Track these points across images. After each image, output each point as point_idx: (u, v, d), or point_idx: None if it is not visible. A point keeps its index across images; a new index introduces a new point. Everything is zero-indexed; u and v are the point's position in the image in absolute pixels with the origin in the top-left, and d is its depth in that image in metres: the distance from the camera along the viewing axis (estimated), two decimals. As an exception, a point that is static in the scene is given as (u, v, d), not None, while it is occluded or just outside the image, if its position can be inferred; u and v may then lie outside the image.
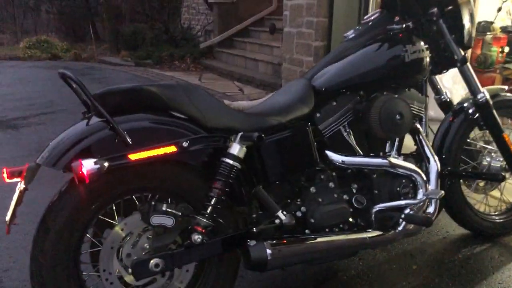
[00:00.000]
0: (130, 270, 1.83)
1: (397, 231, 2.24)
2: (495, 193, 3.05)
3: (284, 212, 2.02)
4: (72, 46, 13.58)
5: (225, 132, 1.96)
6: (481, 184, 2.96)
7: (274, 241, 1.95)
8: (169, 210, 1.87)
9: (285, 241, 1.98)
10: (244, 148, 1.91)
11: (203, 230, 1.86)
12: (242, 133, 1.92)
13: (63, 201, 1.76)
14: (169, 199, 1.94)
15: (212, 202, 1.87)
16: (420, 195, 2.31)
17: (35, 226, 1.75)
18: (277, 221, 2.01)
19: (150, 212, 1.85)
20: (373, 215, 2.26)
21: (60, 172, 1.71)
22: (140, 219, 1.89)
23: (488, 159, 2.90)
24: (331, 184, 2.24)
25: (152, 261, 1.82)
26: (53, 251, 1.74)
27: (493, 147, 2.92)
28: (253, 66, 8.92)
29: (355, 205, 2.25)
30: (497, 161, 2.88)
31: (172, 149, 1.84)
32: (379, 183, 2.30)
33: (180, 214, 1.88)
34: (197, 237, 1.85)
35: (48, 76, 9.20)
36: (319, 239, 2.06)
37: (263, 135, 1.86)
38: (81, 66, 11.00)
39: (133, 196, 1.94)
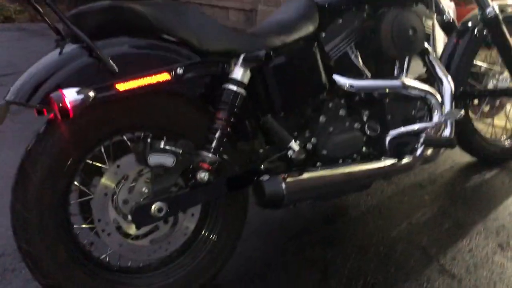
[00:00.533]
0: (129, 218, 1.60)
1: (416, 156, 2.07)
2: (500, 121, 2.93)
3: (298, 142, 1.81)
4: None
5: (223, 56, 1.70)
6: (487, 109, 2.83)
7: (288, 175, 1.74)
8: (168, 147, 1.63)
9: (300, 174, 1.77)
10: (248, 72, 1.67)
11: (210, 167, 1.63)
12: (245, 53, 1.66)
13: (43, 144, 1.49)
14: (165, 137, 1.69)
15: (217, 135, 1.63)
16: (437, 117, 2.13)
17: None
18: (289, 152, 1.79)
19: (147, 151, 1.60)
20: (387, 142, 2.07)
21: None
22: (135, 160, 1.64)
23: (494, 81, 2.75)
24: (342, 112, 2.03)
25: (154, 206, 1.59)
26: (37, 203, 1.48)
27: (497, 68, 2.77)
28: (223, 15, 8.50)
29: (368, 132, 2.06)
30: (504, 82, 2.73)
31: (165, 77, 1.57)
32: (392, 107, 2.11)
33: (180, 151, 1.64)
34: (203, 175, 1.62)
35: (4, 38, 8.56)
36: (335, 171, 1.86)
37: (271, 53, 1.61)
38: (39, 27, 10.30)
39: (124, 137, 1.68)
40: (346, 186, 1.93)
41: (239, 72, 1.65)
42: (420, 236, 2.18)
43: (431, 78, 2.34)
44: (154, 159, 1.60)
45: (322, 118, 1.97)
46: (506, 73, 2.71)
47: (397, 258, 2.05)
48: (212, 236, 1.83)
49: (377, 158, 2.05)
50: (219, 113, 1.64)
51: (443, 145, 1.97)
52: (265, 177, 1.71)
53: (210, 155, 1.62)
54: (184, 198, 1.65)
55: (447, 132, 2.17)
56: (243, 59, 1.65)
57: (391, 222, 2.31)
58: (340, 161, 1.99)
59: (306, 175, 1.78)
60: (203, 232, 1.83)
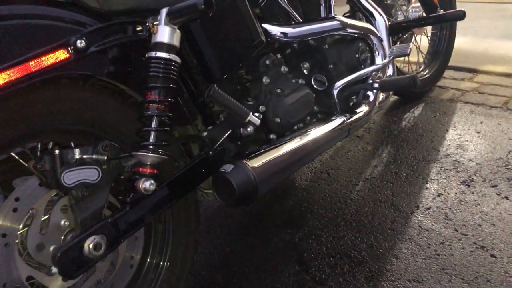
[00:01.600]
0: (54, 269, 1.09)
1: (371, 104, 1.81)
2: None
3: (256, 114, 1.42)
4: None
5: (136, 15, 1.22)
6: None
7: (252, 157, 1.35)
8: (86, 156, 1.13)
9: (264, 154, 1.39)
10: (178, 31, 1.21)
11: (154, 170, 1.17)
12: (168, 7, 1.19)
13: None
14: (77, 143, 1.18)
15: (154, 124, 1.17)
16: (380, 57, 1.88)
17: None
18: (249, 129, 1.40)
19: (57, 169, 1.09)
20: (336, 96, 1.77)
21: None
22: (39, 185, 1.12)
23: (404, 13, 2.60)
24: (283, 69, 1.67)
25: (87, 243, 1.10)
26: None
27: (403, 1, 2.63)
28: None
29: (316, 87, 1.74)
30: (413, 12, 2.59)
31: (61, 55, 1.06)
32: (333, 54, 1.80)
33: (105, 158, 1.16)
34: (148, 184, 1.15)
35: None
36: (300, 140, 1.51)
37: (213, 0, 1.16)
38: None
39: (13, 154, 1.14)
40: (314, 154, 1.59)
41: (165, 32, 1.18)
42: (383, 192, 1.96)
43: (356, 16, 2.10)
44: (70, 177, 1.09)
45: (265, 80, 1.59)
46: (414, 3, 2.58)
47: (370, 223, 1.80)
48: (164, 260, 1.39)
49: (330, 116, 1.74)
50: (150, 94, 1.18)
51: (406, 86, 1.73)
52: (228, 167, 1.30)
53: (150, 154, 1.16)
54: (126, 221, 1.17)
55: (390, 72, 1.94)
56: (168, 14, 1.18)
57: (345, 182, 2.06)
58: (296, 127, 1.64)
59: (272, 154, 1.40)
60: (152, 257, 1.38)
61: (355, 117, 1.72)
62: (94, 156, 1.14)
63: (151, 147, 1.16)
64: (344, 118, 1.69)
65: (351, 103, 1.85)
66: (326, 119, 1.69)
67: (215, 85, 1.30)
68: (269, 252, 1.72)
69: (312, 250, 1.70)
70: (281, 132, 1.61)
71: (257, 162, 1.33)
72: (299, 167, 1.57)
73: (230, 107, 1.33)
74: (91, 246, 1.10)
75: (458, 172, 2.02)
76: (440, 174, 2.03)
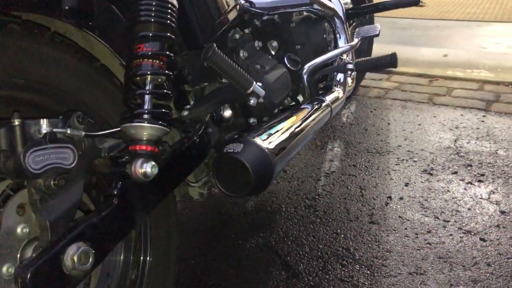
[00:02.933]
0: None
1: (344, 86, 1.66)
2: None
3: (260, 84, 1.17)
4: None
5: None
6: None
7: (257, 134, 1.09)
8: (58, 130, 0.80)
9: (270, 130, 1.14)
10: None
11: (155, 148, 0.87)
12: None
13: None
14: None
15: (148, 86, 0.87)
16: (343, 40, 1.76)
17: None
18: (252, 101, 1.14)
19: (17, 147, 0.74)
20: (306, 78, 1.59)
21: None
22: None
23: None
24: (257, 43, 1.45)
25: (69, 254, 0.75)
26: None
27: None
28: None
29: (290, 66, 1.54)
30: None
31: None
32: (301, 33, 1.63)
33: (82, 133, 0.83)
34: (148, 167, 0.84)
35: None
36: (297, 117, 1.29)
37: None
38: None
39: None
40: (312, 132, 1.37)
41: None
42: (349, 185, 1.82)
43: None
44: (38, 159, 0.75)
45: (242, 54, 1.35)
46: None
47: (348, 217, 1.64)
48: (148, 256, 1.06)
49: (306, 98, 1.56)
50: (141, 47, 0.87)
51: (386, 65, 1.61)
52: (234, 148, 1.02)
53: (150, 124, 0.85)
54: (117, 218, 0.84)
55: (350, 57, 1.83)
56: None
57: (306, 178, 1.88)
58: (276, 110, 1.42)
59: (278, 129, 1.16)
60: (134, 256, 1.04)
61: (332, 97, 1.56)
62: (68, 131, 0.80)
63: (146, 116, 0.86)
64: (327, 101, 1.51)
65: (321, 87, 1.68)
66: (307, 102, 1.50)
67: (214, 45, 1.03)
68: (246, 259, 1.45)
69: (294, 253, 1.47)
70: (262, 115, 1.38)
71: (268, 139, 1.08)
72: (303, 144, 1.34)
73: (231, 74, 1.06)
74: (75, 258, 0.75)
75: (415, 161, 1.97)
76: (399, 164, 1.96)
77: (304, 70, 1.58)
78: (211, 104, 1.16)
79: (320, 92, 1.62)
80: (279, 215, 1.66)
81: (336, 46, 1.76)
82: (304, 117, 1.32)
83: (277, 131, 1.16)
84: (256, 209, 1.71)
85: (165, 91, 0.90)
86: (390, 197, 1.74)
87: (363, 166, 1.95)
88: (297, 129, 1.23)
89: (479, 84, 2.89)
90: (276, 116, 1.38)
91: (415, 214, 1.64)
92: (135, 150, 0.85)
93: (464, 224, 1.58)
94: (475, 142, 2.11)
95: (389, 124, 2.34)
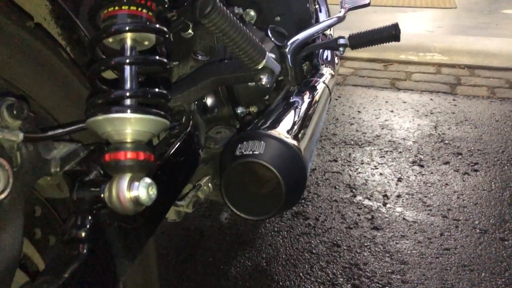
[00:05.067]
0: None
1: (333, 65, 1.38)
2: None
3: (272, 55, 0.84)
4: None
5: None
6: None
7: (275, 126, 0.77)
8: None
9: (289, 121, 0.82)
10: None
11: (151, 156, 0.52)
12: None
13: None
14: None
15: (129, 70, 0.52)
16: (324, 13, 1.48)
17: None
18: (264, 80, 0.81)
19: None
20: (290, 56, 1.29)
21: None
22: None
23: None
24: (237, 10, 1.13)
25: None
26: None
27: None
28: None
29: (275, 41, 1.23)
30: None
31: None
32: (282, 2, 1.32)
33: (20, 134, 0.46)
34: (143, 188, 0.49)
35: None
36: (304, 103, 0.98)
37: None
38: None
39: None
40: (322, 120, 1.07)
41: None
42: (336, 185, 1.55)
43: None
44: None
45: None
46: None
47: (346, 224, 1.37)
48: None
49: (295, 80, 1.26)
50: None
51: (386, 39, 1.34)
52: (253, 148, 0.69)
53: (142, 116, 0.50)
54: (89, 272, 0.48)
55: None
56: None
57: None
58: (267, 96, 1.11)
59: (291, 117, 0.84)
60: None
61: (327, 78, 1.27)
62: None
63: (130, 101, 0.51)
64: (320, 80, 1.22)
65: (304, 67, 1.38)
66: (304, 84, 1.20)
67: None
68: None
69: (292, 276, 1.17)
70: (252, 102, 1.06)
71: (290, 132, 0.76)
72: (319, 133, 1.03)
73: (237, 40, 0.72)
74: None
75: (400, 153, 1.75)
76: (384, 157, 1.72)
77: (288, 48, 1.27)
78: (200, 87, 0.81)
79: (309, 73, 1.33)
80: (264, 228, 1.35)
81: (317, 19, 1.48)
82: (311, 102, 1.01)
83: (293, 121, 0.84)
84: (233, 221, 1.38)
85: (158, 58, 0.55)
86: (386, 196, 1.49)
87: (346, 161, 1.69)
88: (311, 116, 0.92)
89: (435, 67, 2.76)
90: (272, 102, 1.07)
91: (419, 214, 1.40)
92: (116, 161, 0.49)
93: (476, 222, 1.37)
94: (456, 128, 1.94)
95: (359, 112, 2.10)
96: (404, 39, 3.35)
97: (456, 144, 1.81)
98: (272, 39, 1.23)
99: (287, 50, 1.27)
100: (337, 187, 1.54)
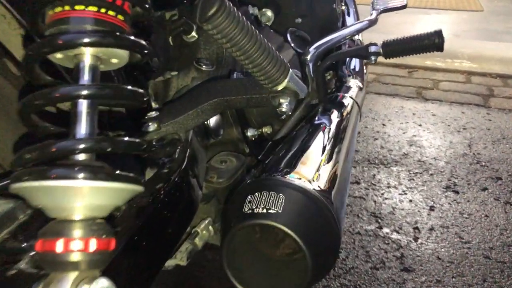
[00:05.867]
0: None
1: (362, 76, 1.19)
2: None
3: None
4: None
5: None
6: None
7: (293, 166, 0.58)
8: None
9: (314, 162, 0.63)
10: None
11: (110, 242, 0.33)
12: None
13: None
14: None
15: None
16: (352, 17, 1.28)
17: None
18: (285, 106, 0.61)
19: None
20: (312, 64, 1.10)
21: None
22: None
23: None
24: (252, 10, 0.94)
25: None
26: None
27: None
28: None
29: (294, 47, 1.04)
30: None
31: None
32: (304, 1, 1.13)
33: None
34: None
35: None
36: (331, 134, 0.79)
37: None
38: None
39: None
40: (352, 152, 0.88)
41: None
42: (360, 213, 1.35)
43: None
44: None
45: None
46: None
47: (373, 269, 1.17)
48: None
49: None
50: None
51: (429, 48, 1.14)
52: (262, 205, 0.50)
53: (103, 183, 0.31)
54: None
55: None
56: None
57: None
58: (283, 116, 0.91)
59: (324, 162, 0.65)
60: None
61: (355, 92, 1.08)
62: None
63: (81, 161, 0.32)
64: (347, 96, 1.03)
65: (328, 78, 1.19)
66: (329, 101, 1.01)
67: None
68: None
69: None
70: (265, 123, 0.87)
71: (315, 176, 0.57)
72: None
73: (249, 55, 0.53)
74: None
75: (432, 175, 1.54)
76: (414, 180, 1.52)
77: (310, 55, 1.08)
78: (200, 112, 0.62)
79: (333, 86, 1.13)
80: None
81: (344, 23, 1.28)
82: (339, 127, 0.81)
83: (319, 156, 0.65)
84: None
85: (131, 88, 0.37)
86: (417, 229, 1.29)
87: (370, 184, 1.49)
88: (341, 148, 0.73)
89: (464, 76, 2.54)
90: (288, 122, 0.88)
91: (457, 253, 1.20)
92: (53, 254, 0.31)
93: (527, 267, 1.17)
94: (493, 147, 1.73)
95: (384, 125, 1.90)
96: (430, 43, 3.11)
97: (494, 166, 1.60)
98: (292, 44, 1.05)
99: (308, 57, 1.07)
100: (360, 215, 1.34)
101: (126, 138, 0.36)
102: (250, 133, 0.85)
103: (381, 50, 1.12)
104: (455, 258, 1.19)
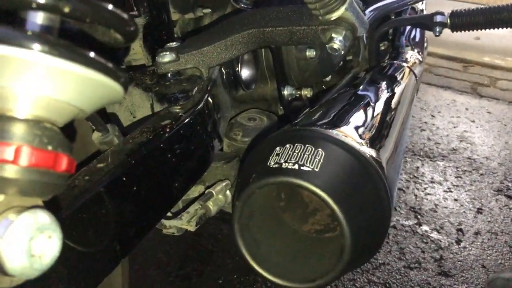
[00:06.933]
0: None
1: (422, 48, 1.05)
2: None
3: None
4: None
5: None
6: None
7: (339, 123, 0.45)
8: None
9: (351, 117, 0.50)
10: None
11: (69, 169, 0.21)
12: None
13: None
14: None
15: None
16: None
17: None
18: (337, 44, 0.49)
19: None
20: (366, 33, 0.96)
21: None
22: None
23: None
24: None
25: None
26: None
27: None
28: None
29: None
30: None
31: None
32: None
33: None
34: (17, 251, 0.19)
35: None
36: (387, 98, 0.66)
37: None
38: None
39: None
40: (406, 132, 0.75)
41: None
42: (398, 206, 1.22)
43: None
44: None
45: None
46: None
47: (407, 268, 1.04)
48: None
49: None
50: None
51: (508, 21, 0.99)
52: (297, 161, 0.38)
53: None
54: None
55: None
56: None
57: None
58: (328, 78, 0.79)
59: (364, 114, 0.53)
60: None
61: (413, 62, 0.93)
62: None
63: (38, 26, 0.20)
64: (404, 64, 0.88)
65: (382, 49, 1.04)
66: (380, 67, 0.87)
67: None
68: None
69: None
70: (306, 83, 0.74)
71: (368, 138, 0.45)
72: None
73: None
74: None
75: (482, 175, 1.38)
76: (462, 178, 1.36)
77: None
78: (229, 44, 0.50)
79: (388, 56, 0.99)
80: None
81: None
82: (393, 93, 0.68)
83: (367, 118, 0.52)
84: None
85: None
86: (461, 231, 1.15)
87: (412, 176, 1.35)
88: (394, 114, 0.59)
89: (526, 76, 2.33)
90: (333, 87, 0.75)
91: (505, 264, 1.05)
92: None
93: None
94: (555, 154, 1.54)
95: (433, 116, 1.74)
96: (488, 39, 2.92)
97: (555, 174, 1.42)
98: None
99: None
100: (398, 208, 1.20)
101: (111, 7, 0.24)
102: (287, 91, 0.73)
103: (448, 20, 0.97)
104: (503, 269, 1.04)
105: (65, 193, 0.32)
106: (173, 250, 1.00)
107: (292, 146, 0.39)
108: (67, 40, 0.21)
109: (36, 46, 0.20)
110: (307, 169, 0.36)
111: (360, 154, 0.39)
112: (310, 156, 0.37)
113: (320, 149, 0.38)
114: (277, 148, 0.39)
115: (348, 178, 0.37)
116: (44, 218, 0.21)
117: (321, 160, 0.37)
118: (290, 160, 0.37)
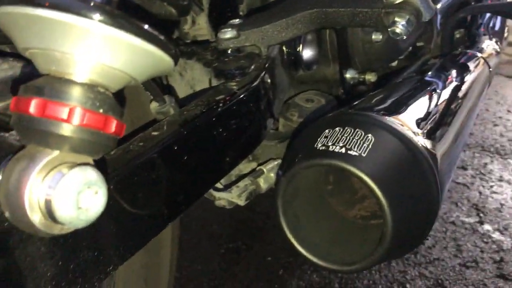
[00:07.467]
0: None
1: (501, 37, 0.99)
2: None
3: None
4: None
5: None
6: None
7: (396, 111, 0.45)
8: None
9: (410, 105, 0.49)
10: None
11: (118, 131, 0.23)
12: None
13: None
14: None
15: None
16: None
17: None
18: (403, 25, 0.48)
19: None
20: (440, 17, 0.92)
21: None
22: None
23: None
24: None
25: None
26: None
27: None
28: None
29: None
30: None
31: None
32: None
33: None
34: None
35: None
36: (455, 89, 0.63)
37: None
38: None
39: None
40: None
41: None
42: (460, 202, 1.17)
43: None
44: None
45: None
46: None
47: (463, 266, 1.00)
48: None
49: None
50: None
51: None
52: (344, 145, 0.38)
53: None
54: None
55: None
56: None
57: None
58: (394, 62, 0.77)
59: (428, 104, 0.51)
60: None
61: (488, 53, 0.88)
62: None
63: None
64: (478, 54, 0.84)
65: (457, 37, 1.00)
66: (452, 56, 0.84)
67: None
68: None
69: None
70: (370, 66, 0.73)
71: (426, 129, 0.43)
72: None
73: None
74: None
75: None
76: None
77: (440, 2, 0.89)
78: (290, 23, 0.51)
79: (462, 45, 0.95)
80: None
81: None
82: (460, 84, 0.65)
83: (428, 108, 0.50)
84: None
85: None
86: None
87: (478, 172, 1.29)
88: (458, 106, 0.57)
89: None
90: (400, 73, 0.73)
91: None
92: (30, 119, 0.22)
93: None
94: None
95: (509, 111, 1.64)
96: None
97: None
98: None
99: (439, 5, 0.89)
100: (459, 204, 1.16)
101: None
102: (349, 75, 0.72)
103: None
104: None
105: (120, 156, 0.34)
106: (225, 223, 1.03)
107: (341, 130, 0.39)
108: (125, 12, 0.23)
109: (96, 16, 0.22)
110: (353, 153, 0.36)
111: (412, 143, 0.38)
112: (358, 141, 0.37)
113: (370, 135, 0.37)
114: (326, 131, 0.39)
115: (396, 167, 0.37)
116: (92, 174, 0.23)
117: (370, 146, 0.37)
118: (338, 143, 0.37)
